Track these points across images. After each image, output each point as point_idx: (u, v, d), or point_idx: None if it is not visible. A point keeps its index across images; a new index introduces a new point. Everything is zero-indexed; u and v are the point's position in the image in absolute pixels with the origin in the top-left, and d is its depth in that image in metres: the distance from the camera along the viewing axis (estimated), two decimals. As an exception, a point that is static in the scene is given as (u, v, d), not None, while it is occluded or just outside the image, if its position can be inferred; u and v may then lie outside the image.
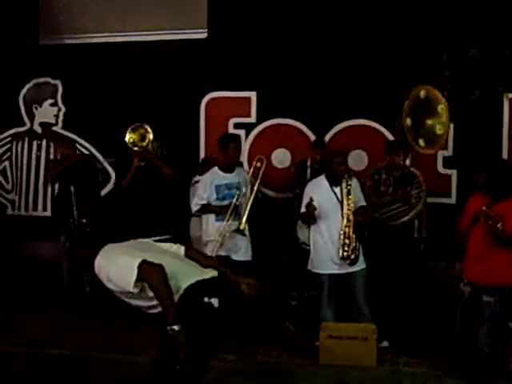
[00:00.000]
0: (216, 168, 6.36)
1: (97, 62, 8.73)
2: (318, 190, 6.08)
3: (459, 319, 5.61)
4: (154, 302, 3.87)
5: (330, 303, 6.10)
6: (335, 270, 6.03)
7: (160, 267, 3.78)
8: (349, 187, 5.98)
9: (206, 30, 8.45)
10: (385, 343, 6.04)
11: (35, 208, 9.17)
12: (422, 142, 6.38)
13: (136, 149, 6.93)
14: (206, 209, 6.30)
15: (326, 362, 5.71)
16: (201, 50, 8.42)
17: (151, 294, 3.83)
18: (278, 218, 7.65)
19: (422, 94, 6.38)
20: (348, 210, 5.95)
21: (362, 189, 6.27)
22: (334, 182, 6.06)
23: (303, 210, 6.10)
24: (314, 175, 7.38)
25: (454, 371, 5.53)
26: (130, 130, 6.99)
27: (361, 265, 6.03)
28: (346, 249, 5.91)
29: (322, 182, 6.15)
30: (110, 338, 6.40)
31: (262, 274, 7.30)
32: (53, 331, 6.61)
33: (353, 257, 5.92)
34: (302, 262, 7.19)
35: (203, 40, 8.46)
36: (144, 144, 6.97)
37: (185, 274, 3.97)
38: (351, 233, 5.93)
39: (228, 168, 6.30)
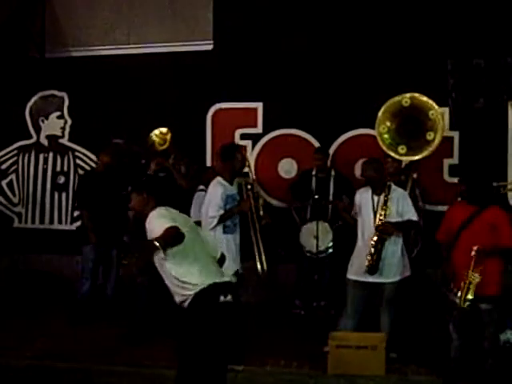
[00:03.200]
0: (221, 179, 6.17)
1: (103, 75, 8.75)
2: (362, 197, 6.14)
3: (454, 331, 5.52)
4: (182, 291, 4.21)
5: (353, 313, 6.05)
6: (363, 278, 5.97)
7: (181, 234, 4.06)
8: (386, 198, 5.92)
9: (211, 42, 8.48)
10: (393, 355, 5.97)
11: (42, 221, 9.18)
12: (401, 149, 6.39)
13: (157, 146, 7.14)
14: (223, 217, 6.04)
15: (334, 372, 5.70)
16: (207, 61, 8.44)
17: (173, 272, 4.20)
18: (284, 228, 7.65)
19: (405, 101, 6.40)
20: (379, 220, 5.91)
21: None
22: (375, 190, 6.06)
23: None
24: (320, 184, 7.42)
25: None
26: (157, 131, 7.22)
27: (390, 277, 5.96)
28: (369, 258, 5.86)
29: (367, 189, 6.14)
30: (118, 350, 6.40)
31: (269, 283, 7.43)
32: (60, 344, 6.61)
33: (370, 266, 5.87)
34: (309, 271, 7.24)
35: (209, 51, 8.49)
36: (163, 148, 7.07)
37: (201, 270, 4.26)
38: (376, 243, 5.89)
39: (232, 179, 6.20)
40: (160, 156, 7.24)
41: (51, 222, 9.13)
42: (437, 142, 6.31)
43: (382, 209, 5.90)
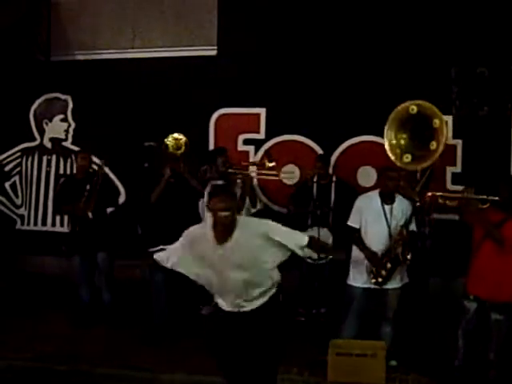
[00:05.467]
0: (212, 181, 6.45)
1: (107, 78, 8.79)
2: (369, 205, 5.95)
3: (462, 337, 5.50)
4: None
5: (354, 320, 6.01)
6: (370, 285, 5.90)
7: None
8: (398, 207, 5.87)
9: (215, 47, 8.51)
10: (393, 362, 5.97)
11: (44, 223, 9.20)
12: (405, 158, 6.34)
13: (170, 150, 6.97)
14: None
15: (334, 379, 5.70)
16: (210, 66, 8.47)
17: None
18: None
19: (412, 109, 6.35)
20: (395, 229, 5.82)
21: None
22: (385, 199, 5.92)
23: (353, 224, 6.02)
24: (320, 191, 7.39)
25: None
26: (171, 136, 7.06)
27: (394, 283, 5.91)
28: (383, 272, 5.79)
29: (374, 197, 6.00)
30: (117, 353, 6.41)
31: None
32: (61, 346, 6.61)
33: (383, 277, 5.82)
34: (310, 278, 7.22)
35: (213, 57, 8.51)
36: (177, 152, 6.99)
37: None
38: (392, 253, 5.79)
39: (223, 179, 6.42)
40: (172, 161, 7.03)
41: (53, 224, 9.14)
42: (439, 151, 6.24)
43: (395, 218, 5.84)
